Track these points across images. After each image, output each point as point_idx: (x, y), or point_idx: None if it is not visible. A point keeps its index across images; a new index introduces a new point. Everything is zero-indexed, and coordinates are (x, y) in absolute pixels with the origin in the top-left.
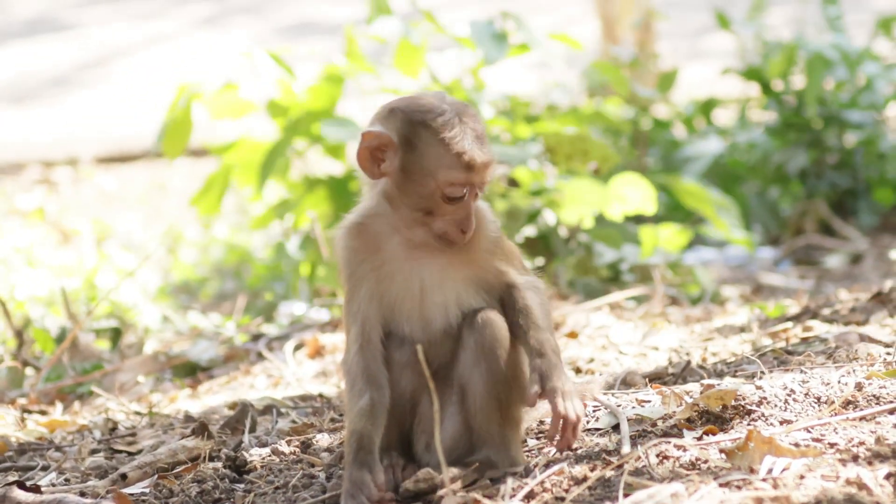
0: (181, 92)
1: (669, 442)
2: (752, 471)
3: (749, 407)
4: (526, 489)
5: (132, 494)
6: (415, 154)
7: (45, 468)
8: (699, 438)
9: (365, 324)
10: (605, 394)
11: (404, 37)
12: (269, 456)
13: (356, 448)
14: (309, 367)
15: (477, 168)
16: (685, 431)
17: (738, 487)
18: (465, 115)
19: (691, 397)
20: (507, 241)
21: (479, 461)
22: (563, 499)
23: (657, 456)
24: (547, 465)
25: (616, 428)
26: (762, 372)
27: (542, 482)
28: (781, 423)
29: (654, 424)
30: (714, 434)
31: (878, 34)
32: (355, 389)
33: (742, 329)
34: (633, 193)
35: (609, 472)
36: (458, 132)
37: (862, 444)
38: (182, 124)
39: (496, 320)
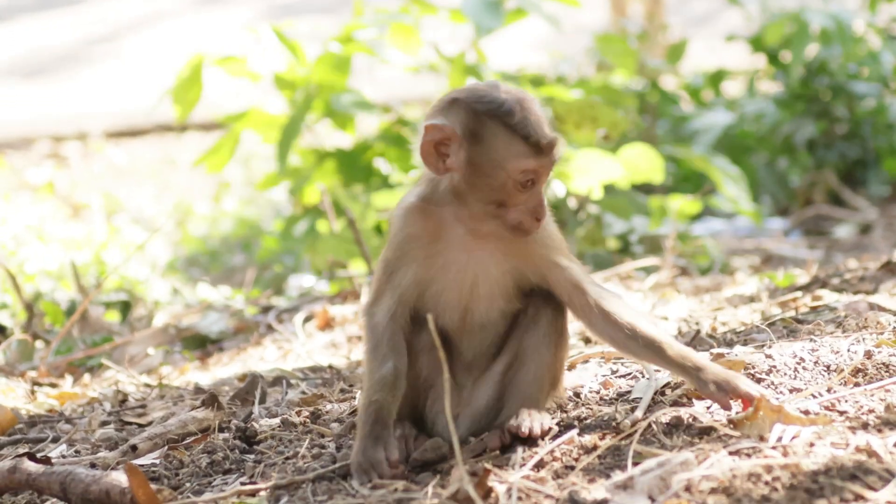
0: (195, 59)
1: (679, 411)
2: (761, 439)
3: (759, 376)
4: (536, 458)
5: (143, 466)
6: (481, 146)
7: (55, 440)
8: (709, 407)
9: (401, 299)
10: (615, 361)
11: (395, 21)
12: (279, 427)
13: (373, 420)
14: (318, 339)
15: (545, 151)
16: (695, 400)
17: (748, 455)
18: (524, 100)
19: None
20: (557, 230)
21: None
22: (572, 467)
23: (667, 425)
24: (557, 435)
25: (622, 396)
26: (772, 341)
27: (552, 451)
28: (791, 391)
29: (663, 393)
30: None
31: (870, 11)
32: (378, 353)
33: (751, 299)
34: (642, 162)
35: (619, 441)
36: (520, 119)
37: (871, 411)
38: (193, 82)
39: (563, 310)
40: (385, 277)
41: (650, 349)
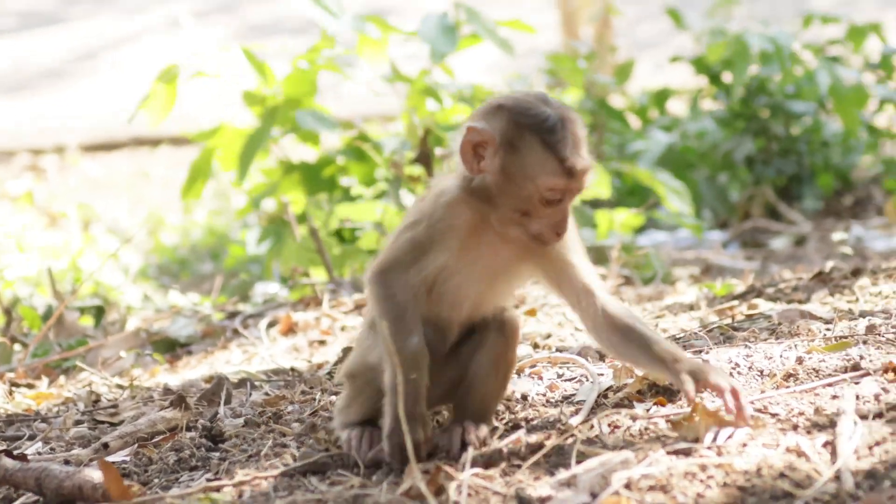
0: (168, 69)
1: (620, 413)
2: (697, 440)
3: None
4: (484, 456)
5: (114, 462)
6: (516, 156)
7: (31, 438)
8: (648, 410)
9: (425, 280)
10: (561, 366)
11: (362, 32)
12: (243, 426)
13: (413, 400)
14: (281, 344)
15: (577, 175)
16: (635, 403)
17: (685, 455)
18: (567, 120)
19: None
20: (576, 229)
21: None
22: (519, 466)
23: (609, 426)
24: (504, 435)
25: (567, 399)
26: (709, 347)
27: (501, 450)
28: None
29: (606, 396)
30: (663, 405)
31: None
32: (403, 326)
33: (691, 307)
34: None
35: (563, 441)
36: (559, 138)
37: (801, 414)
38: (168, 90)
39: (515, 321)
40: (411, 254)
41: (640, 350)
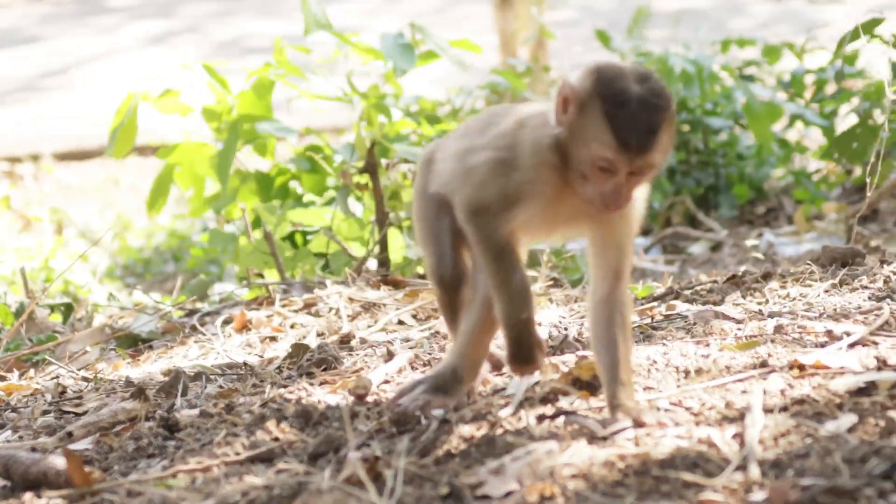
0: (128, 98)
1: (547, 406)
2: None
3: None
4: (420, 446)
5: (77, 450)
6: (583, 118)
7: (1, 426)
8: (573, 403)
9: (512, 221)
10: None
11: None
12: (198, 417)
13: (528, 332)
14: (235, 340)
15: (629, 152)
16: (561, 397)
17: (605, 446)
18: (645, 103)
19: (567, 367)
20: (640, 216)
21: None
22: (452, 455)
23: (536, 418)
24: (439, 425)
25: (497, 392)
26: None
27: (435, 440)
28: (645, 389)
29: (534, 390)
30: (586, 399)
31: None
32: (507, 263)
33: None
34: None
35: (493, 432)
36: (625, 115)
37: (713, 408)
38: (128, 128)
39: None
40: (502, 203)
41: (606, 357)
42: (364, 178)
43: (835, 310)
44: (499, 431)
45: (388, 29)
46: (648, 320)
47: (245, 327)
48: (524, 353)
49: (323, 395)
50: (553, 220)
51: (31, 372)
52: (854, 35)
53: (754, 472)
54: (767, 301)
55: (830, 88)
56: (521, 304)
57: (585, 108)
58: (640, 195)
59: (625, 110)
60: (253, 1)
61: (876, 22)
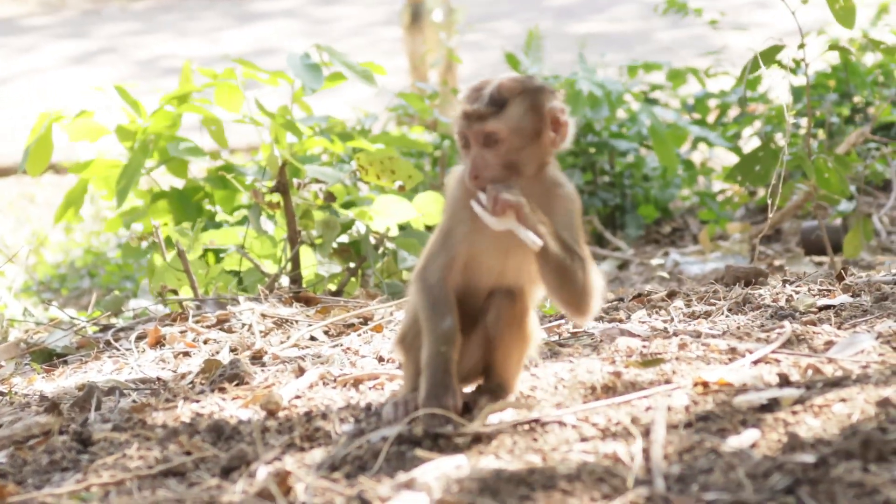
0: (42, 118)
1: (456, 420)
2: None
3: (525, 392)
4: (330, 461)
5: None
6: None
7: None
8: (485, 423)
9: (454, 259)
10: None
11: (221, 81)
12: (111, 431)
13: (443, 370)
14: (149, 355)
15: (467, 119)
16: (475, 410)
17: (513, 461)
18: (495, 82)
19: (474, 384)
20: (576, 218)
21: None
22: (363, 468)
23: (445, 433)
24: (352, 439)
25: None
26: (537, 362)
27: (345, 454)
28: (553, 405)
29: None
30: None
31: (629, 77)
32: (437, 310)
33: None
34: (432, 207)
35: (404, 447)
36: (472, 88)
37: (619, 423)
38: (43, 146)
39: (524, 287)
40: (440, 241)
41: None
42: (276, 197)
43: (738, 328)
44: (408, 447)
45: (295, 50)
46: (556, 337)
47: (159, 343)
48: (439, 393)
49: (235, 409)
50: (488, 238)
51: None
52: (755, 65)
53: (659, 486)
54: (672, 319)
55: (733, 111)
56: (444, 345)
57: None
58: (565, 205)
59: (473, 86)
60: (170, 21)
61: (776, 49)
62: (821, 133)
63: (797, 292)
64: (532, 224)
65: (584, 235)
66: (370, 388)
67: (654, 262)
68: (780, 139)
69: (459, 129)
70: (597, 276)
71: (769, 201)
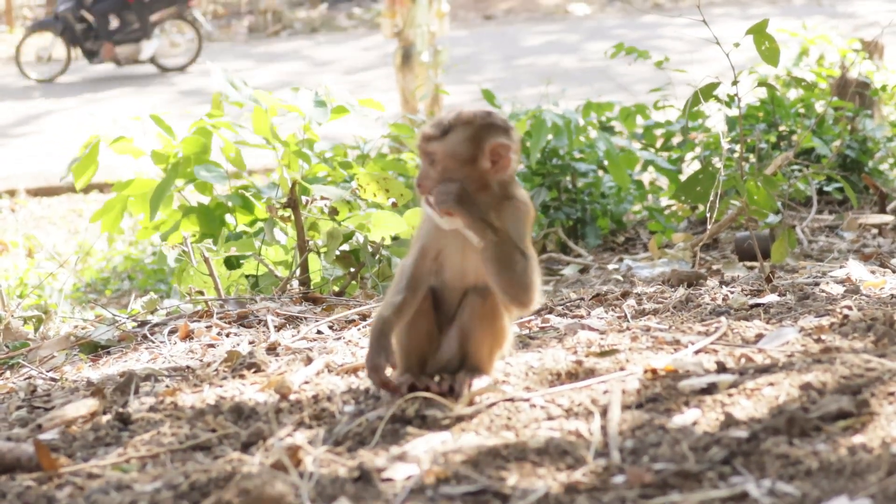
0: (91, 139)
1: (437, 404)
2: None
3: (500, 377)
4: (335, 436)
5: (46, 439)
6: None
7: None
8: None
9: (422, 249)
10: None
11: (257, 106)
12: (148, 411)
13: (378, 333)
14: (180, 346)
15: (422, 139)
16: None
17: (490, 436)
18: (452, 114)
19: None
20: (526, 225)
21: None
22: (363, 443)
23: (430, 414)
24: (353, 418)
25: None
26: (509, 352)
27: (347, 431)
28: (524, 388)
29: (427, 388)
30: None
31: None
32: (397, 287)
33: None
34: (420, 221)
35: (396, 425)
36: (439, 114)
37: (581, 404)
38: (87, 161)
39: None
40: (415, 237)
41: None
42: (287, 212)
43: (682, 323)
44: (400, 424)
45: (306, 91)
46: (527, 331)
47: (188, 336)
48: (372, 353)
49: (253, 393)
50: (448, 235)
51: (7, 374)
52: (695, 100)
53: (615, 458)
54: (626, 315)
55: (676, 138)
56: (388, 311)
57: None
58: (513, 211)
59: (442, 113)
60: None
61: (713, 86)
62: (752, 157)
63: (732, 292)
64: (471, 222)
65: (530, 239)
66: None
67: (611, 266)
68: (717, 162)
69: (417, 143)
70: (537, 274)
71: (708, 215)
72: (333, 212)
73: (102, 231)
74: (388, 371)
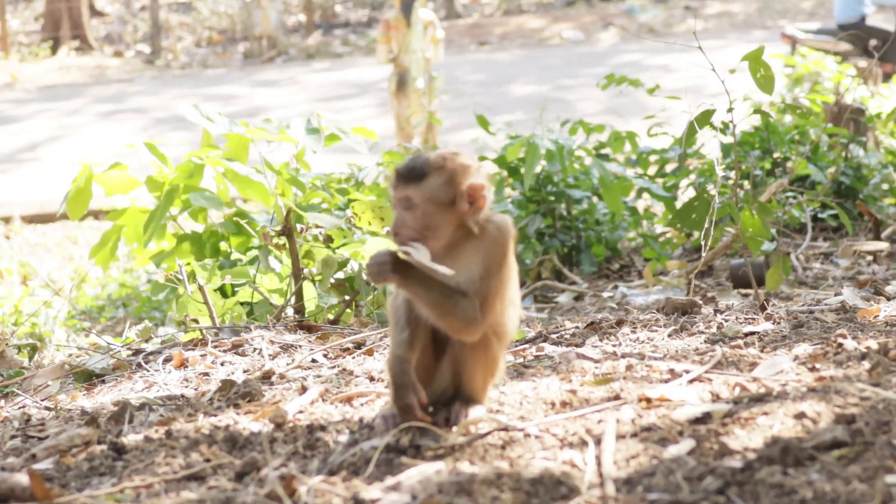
0: (84, 169)
1: (430, 433)
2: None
3: (494, 406)
4: (329, 466)
5: (40, 469)
6: None
7: None
8: (466, 433)
9: None
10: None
11: (232, 134)
12: (142, 441)
13: (399, 372)
14: (174, 375)
15: (393, 184)
16: (454, 426)
17: (485, 466)
18: (421, 158)
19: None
20: (500, 252)
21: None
22: (357, 473)
23: (424, 443)
24: (347, 448)
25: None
26: (504, 381)
27: (343, 461)
28: (518, 418)
29: (423, 419)
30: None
31: (570, 134)
32: (399, 325)
33: None
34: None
35: (391, 455)
36: (408, 158)
37: (575, 433)
38: (81, 194)
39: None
40: None
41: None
42: (282, 240)
43: (676, 351)
44: (394, 455)
45: (298, 118)
46: (521, 360)
47: (182, 365)
48: (400, 393)
49: (247, 422)
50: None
51: (2, 402)
52: (691, 129)
53: (610, 488)
54: (620, 344)
55: (670, 165)
56: (400, 349)
57: None
58: (484, 251)
59: (410, 157)
60: (190, 88)
61: (709, 113)
62: (746, 184)
63: (727, 320)
64: (407, 286)
65: (510, 258)
66: (362, 404)
67: (605, 294)
68: (712, 189)
69: (390, 190)
70: (500, 300)
71: (703, 242)
72: (328, 239)
73: (97, 265)
74: (389, 405)
